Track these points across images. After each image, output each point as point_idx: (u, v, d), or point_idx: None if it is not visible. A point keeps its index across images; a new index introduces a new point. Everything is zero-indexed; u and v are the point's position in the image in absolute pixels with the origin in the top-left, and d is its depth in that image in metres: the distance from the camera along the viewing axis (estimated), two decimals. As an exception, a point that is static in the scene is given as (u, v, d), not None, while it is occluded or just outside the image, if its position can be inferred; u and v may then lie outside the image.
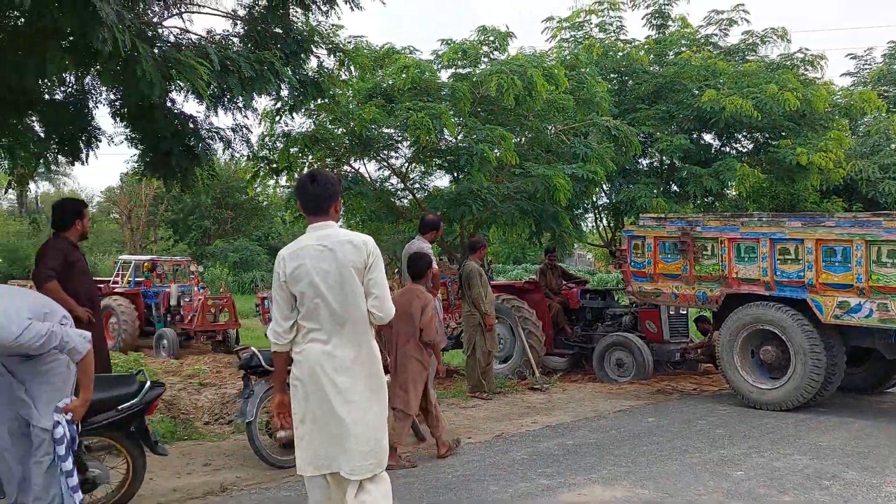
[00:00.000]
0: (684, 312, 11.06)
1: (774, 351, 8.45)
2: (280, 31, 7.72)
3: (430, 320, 6.34)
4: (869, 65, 18.63)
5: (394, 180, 11.85)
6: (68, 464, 4.18)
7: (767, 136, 13.83)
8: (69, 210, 6.23)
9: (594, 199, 14.78)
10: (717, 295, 8.91)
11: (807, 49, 14.38)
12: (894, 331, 7.91)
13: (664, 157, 13.69)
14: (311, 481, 3.88)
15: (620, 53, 14.38)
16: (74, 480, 4.25)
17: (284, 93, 8.62)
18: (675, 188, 14.00)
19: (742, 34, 14.93)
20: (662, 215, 10.15)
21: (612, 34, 15.02)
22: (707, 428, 7.67)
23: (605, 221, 15.14)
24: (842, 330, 8.21)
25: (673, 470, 6.24)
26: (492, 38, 11.24)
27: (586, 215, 15.48)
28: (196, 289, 16.16)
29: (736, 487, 5.81)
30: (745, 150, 14.36)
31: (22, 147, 7.27)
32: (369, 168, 11.70)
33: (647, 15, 15.41)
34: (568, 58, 13.03)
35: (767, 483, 5.91)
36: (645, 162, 14.48)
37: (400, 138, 10.92)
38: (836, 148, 12.51)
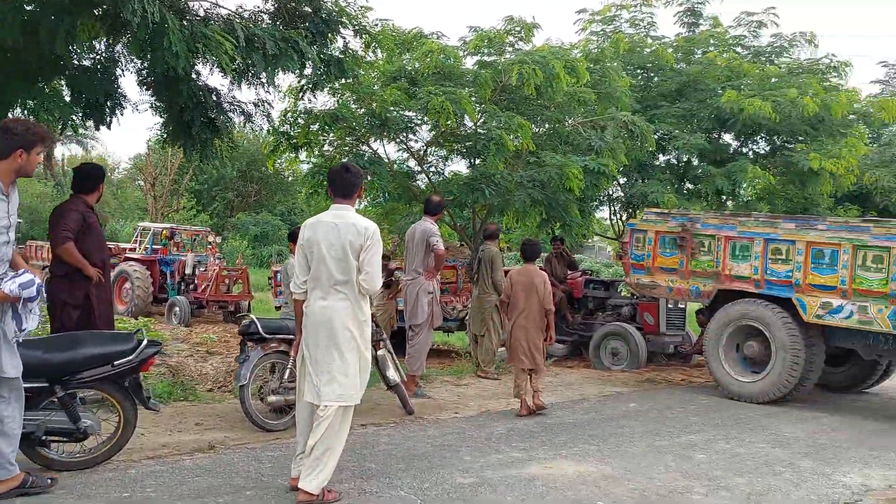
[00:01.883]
0: (682, 306, 11.38)
1: (758, 346, 8.76)
2: (309, 10, 8.08)
3: (550, 292, 7.79)
4: (901, 74, 18.57)
5: (412, 163, 12.25)
6: None
7: (784, 139, 13.97)
8: (92, 174, 6.52)
9: (610, 193, 15.09)
10: (710, 290, 9.22)
11: (833, 55, 14.47)
12: (872, 333, 8.17)
13: (682, 155, 13.90)
14: (302, 406, 4.95)
15: (648, 50, 14.57)
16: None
17: (308, 71, 9.00)
18: (690, 186, 14.22)
19: (771, 37, 15.03)
20: (666, 211, 10.45)
21: (643, 30, 15.20)
22: (682, 415, 8.03)
23: (618, 215, 15.42)
24: (823, 330, 8.49)
25: (639, 451, 6.61)
26: (517, 28, 11.54)
27: (601, 207, 15.78)
28: (212, 259, 16.67)
29: (694, 469, 6.17)
30: (762, 152, 14.51)
31: (46, 110, 7.71)
32: (388, 149, 12.12)
33: (678, 13, 15.55)
34: (594, 51, 13.29)
35: (725, 467, 6.27)
36: (663, 158, 14.69)
37: (420, 121, 11.30)
38: (849, 155, 12.65)
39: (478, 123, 10.92)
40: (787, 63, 14.85)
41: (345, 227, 4.79)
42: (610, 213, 15.59)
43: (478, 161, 11.19)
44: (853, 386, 9.74)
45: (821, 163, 12.60)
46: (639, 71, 14.38)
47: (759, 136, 14.32)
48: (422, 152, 12.00)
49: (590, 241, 33.99)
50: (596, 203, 14.74)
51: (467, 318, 11.39)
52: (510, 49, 11.42)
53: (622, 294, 12.36)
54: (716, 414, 8.14)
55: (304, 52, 7.71)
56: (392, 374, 7.34)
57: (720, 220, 9.36)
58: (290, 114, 10.90)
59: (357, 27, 9.22)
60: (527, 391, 7.76)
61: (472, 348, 10.27)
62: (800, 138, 13.63)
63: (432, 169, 12.13)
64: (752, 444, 6.97)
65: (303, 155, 11.58)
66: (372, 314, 7.69)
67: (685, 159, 14.03)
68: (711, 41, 14.58)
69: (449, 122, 10.30)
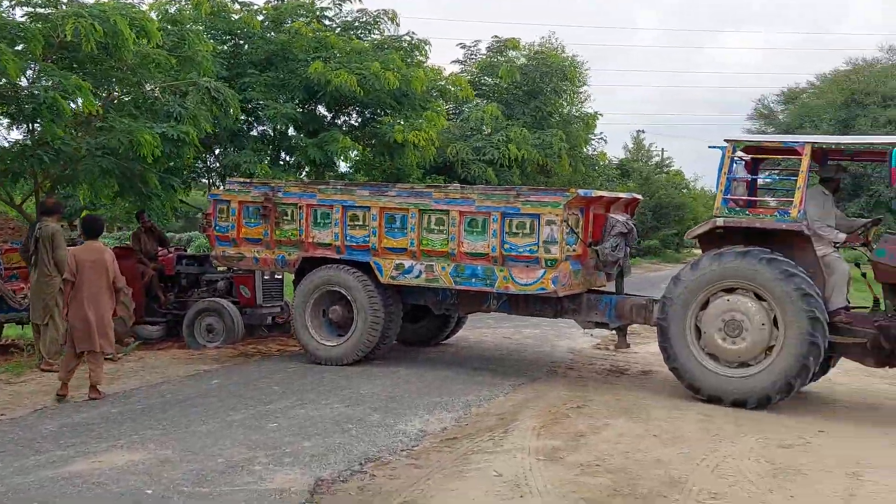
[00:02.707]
0: (280, 277, 11.30)
1: (342, 310, 8.97)
2: None
3: (118, 269, 7.60)
4: (474, 55, 20.63)
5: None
6: None
7: (373, 112, 14.60)
8: None
9: (208, 163, 14.47)
10: (295, 259, 9.20)
11: (414, 33, 15.40)
12: (439, 289, 8.83)
13: (277, 125, 13.77)
14: None
15: (236, 16, 14.10)
16: None
17: None
18: (287, 157, 14.19)
19: (357, 12, 15.50)
20: (248, 180, 10.22)
21: (229, -6, 14.64)
22: (266, 386, 7.89)
23: (217, 186, 14.85)
24: (399, 289, 8.96)
25: (210, 429, 6.29)
26: (70, -20, 10.24)
27: (201, 179, 15.08)
28: None
29: (263, 439, 6.03)
30: (355, 124, 15.02)
31: None
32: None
33: (266, -19, 15.26)
34: (173, 12, 12.45)
35: (295, 432, 6.23)
36: (260, 129, 14.43)
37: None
38: (429, 128, 13.62)
39: (28, 83, 9.50)
40: (377, 39, 15.49)
41: None
42: (209, 185, 14.94)
43: (34, 127, 9.77)
44: (431, 339, 10.50)
45: (404, 135, 13.39)
46: (227, 37, 13.87)
47: (350, 109, 14.77)
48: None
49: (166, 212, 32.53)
50: (192, 175, 14.04)
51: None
52: (66, 2, 10.09)
53: (218, 269, 11.88)
54: (300, 381, 8.14)
55: None
56: None
57: (301, 188, 9.37)
58: None
59: None
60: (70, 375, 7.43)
61: (34, 339, 9.02)
62: (387, 111, 14.33)
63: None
64: (328, 406, 7.07)
65: None
66: None
67: (281, 129, 13.92)
68: (300, 11, 14.59)
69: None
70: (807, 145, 7.55)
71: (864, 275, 8.09)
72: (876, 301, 7.80)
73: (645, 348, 10.35)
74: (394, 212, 8.73)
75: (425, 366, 9.10)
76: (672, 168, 43.82)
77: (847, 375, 9.04)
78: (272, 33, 14.04)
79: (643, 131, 45.93)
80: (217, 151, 13.81)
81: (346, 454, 5.69)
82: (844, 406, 7.93)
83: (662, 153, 44.65)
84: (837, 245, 7.93)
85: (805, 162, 7.47)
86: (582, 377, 8.85)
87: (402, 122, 13.92)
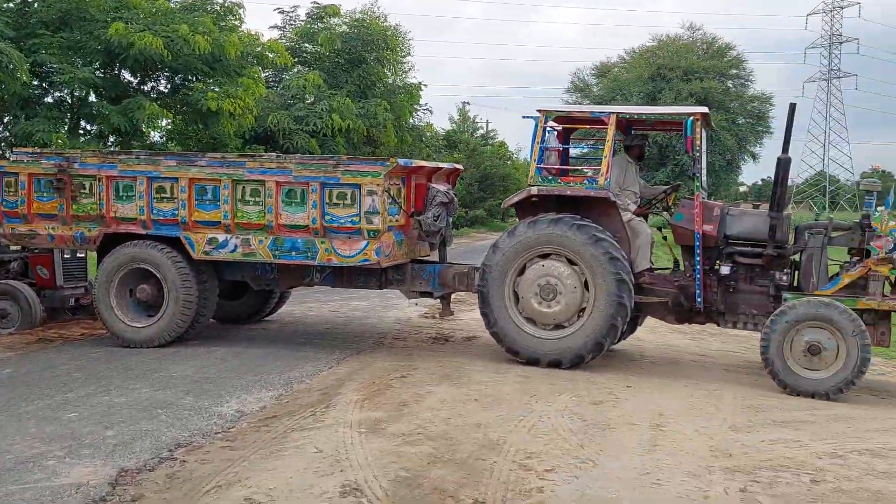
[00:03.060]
0: (83, 255, 10.41)
1: (151, 289, 8.41)
2: None
3: None
4: (293, 21, 20.00)
5: None
6: None
7: (183, 78, 13.79)
8: None
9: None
10: (96, 235, 8.51)
11: (228, -5, 14.63)
12: (259, 264, 8.49)
13: (75, 91, 12.66)
14: None
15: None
16: None
17: None
18: (88, 126, 13.11)
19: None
20: (39, 150, 9.31)
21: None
22: (66, 372, 7.25)
23: (5, 157, 13.49)
24: (215, 265, 8.53)
25: (-3, 423, 5.68)
26: None
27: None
28: None
29: (60, 430, 5.53)
30: (165, 90, 14.12)
31: None
32: None
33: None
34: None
35: (98, 420, 5.77)
36: (57, 95, 13.22)
37: None
38: (245, 95, 13.05)
39: None
40: (186, 1, 14.58)
41: None
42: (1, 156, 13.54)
43: None
44: (252, 316, 10.11)
45: (219, 103, 12.75)
46: (13, -7, 12.57)
47: (158, 74, 13.85)
48: None
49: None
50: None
51: None
52: None
53: (10, 248, 10.79)
54: (105, 366, 7.55)
55: None
56: None
57: (100, 158, 8.63)
58: None
59: None
60: None
61: None
62: (199, 77, 13.57)
63: None
64: (136, 392, 6.61)
65: None
66: None
67: (80, 96, 12.82)
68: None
69: None
70: (612, 115, 7.89)
71: (665, 238, 8.66)
72: (676, 262, 8.35)
73: (469, 315, 10.54)
74: (205, 183, 8.24)
75: (245, 344, 8.75)
76: (497, 139, 45.04)
77: (653, 333, 9.68)
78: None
79: (468, 103, 46.86)
80: (6, 120, 12.53)
81: (154, 441, 5.33)
82: (650, 361, 8.47)
83: (487, 125, 45.82)
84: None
85: (610, 131, 7.81)
86: (408, 347, 8.86)
87: (216, 90, 13.27)
